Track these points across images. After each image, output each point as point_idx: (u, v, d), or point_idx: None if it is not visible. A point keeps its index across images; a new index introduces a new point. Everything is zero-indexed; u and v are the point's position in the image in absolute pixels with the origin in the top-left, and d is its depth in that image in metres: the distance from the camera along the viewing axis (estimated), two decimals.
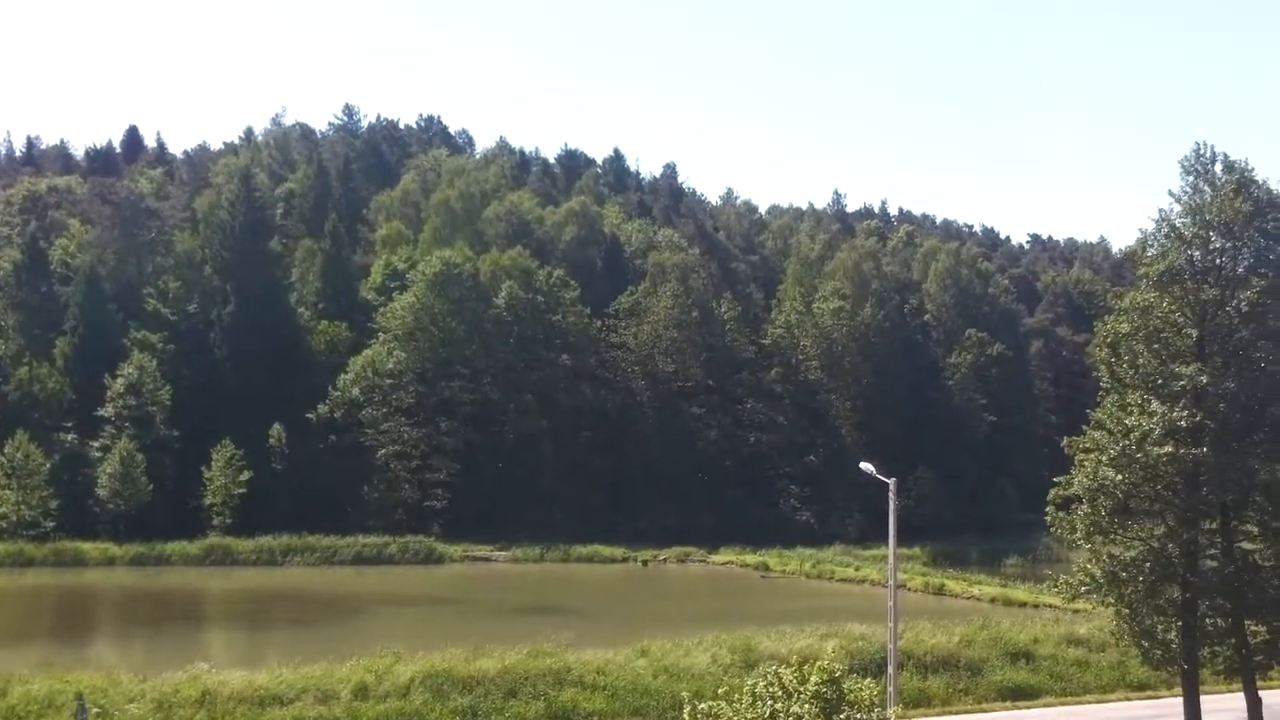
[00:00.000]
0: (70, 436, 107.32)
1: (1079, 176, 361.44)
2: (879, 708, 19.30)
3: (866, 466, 36.70)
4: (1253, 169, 35.94)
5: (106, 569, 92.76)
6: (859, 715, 18.57)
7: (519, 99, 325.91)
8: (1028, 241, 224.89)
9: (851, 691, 18.95)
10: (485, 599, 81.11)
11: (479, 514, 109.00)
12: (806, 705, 18.46)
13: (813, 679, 18.78)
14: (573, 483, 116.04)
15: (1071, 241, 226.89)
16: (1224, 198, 35.39)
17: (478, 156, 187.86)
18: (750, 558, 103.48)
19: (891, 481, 34.48)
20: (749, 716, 18.46)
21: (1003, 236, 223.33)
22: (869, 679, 23.91)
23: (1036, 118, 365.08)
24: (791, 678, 19.01)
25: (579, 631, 51.58)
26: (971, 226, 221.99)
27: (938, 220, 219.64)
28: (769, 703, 18.50)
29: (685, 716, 19.39)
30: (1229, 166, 36.23)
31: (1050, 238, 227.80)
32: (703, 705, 19.22)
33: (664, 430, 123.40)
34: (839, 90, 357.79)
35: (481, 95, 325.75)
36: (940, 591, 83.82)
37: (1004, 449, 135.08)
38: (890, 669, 34.23)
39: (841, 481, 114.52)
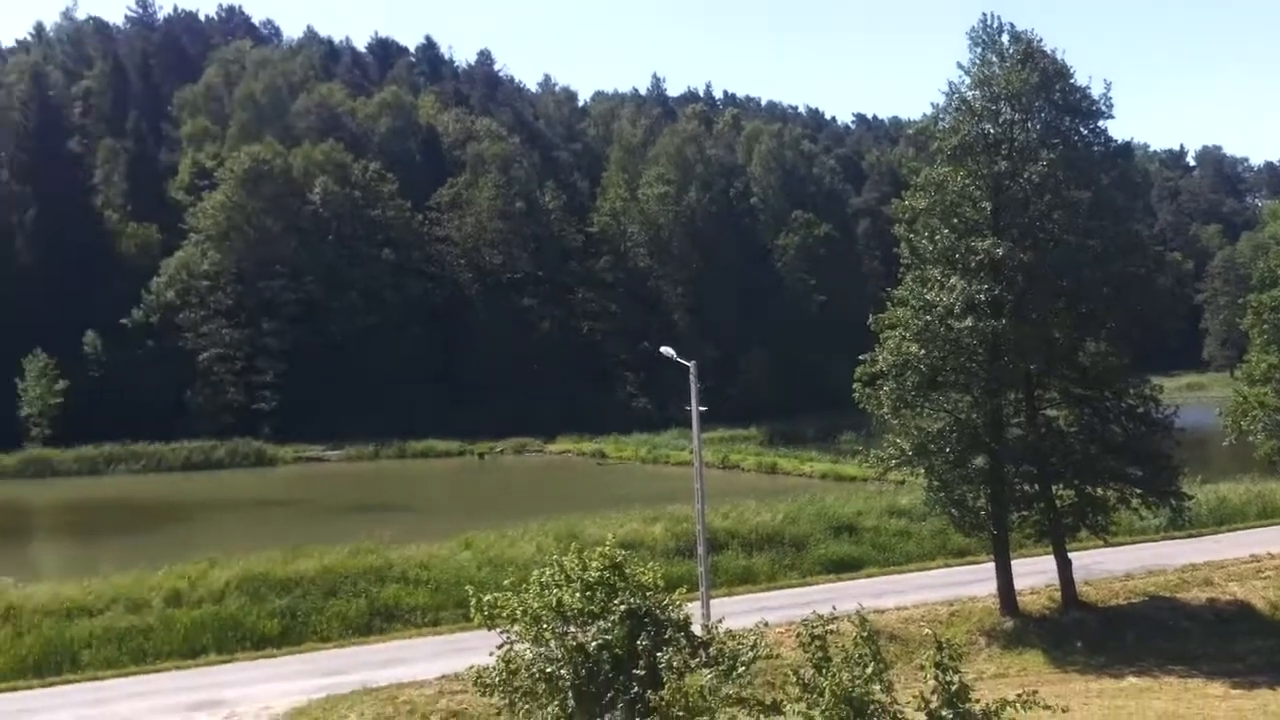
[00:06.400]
0: None
1: (901, 53, 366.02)
2: (657, 590, 18.64)
3: (667, 351, 36.82)
4: (1040, 39, 35.90)
5: None
6: (634, 600, 18.02)
7: None
8: (853, 121, 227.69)
9: (634, 575, 18.58)
10: (317, 499, 79.44)
11: (309, 414, 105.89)
12: (587, 593, 18.16)
13: (593, 564, 18.48)
14: (404, 379, 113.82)
15: (896, 119, 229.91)
16: (1011, 69, 35.34)
17: (284, 47, 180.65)
18: (587, 445, 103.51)
19: (692, 364, 34.75)
20: (534, 605, 18.19)
21: (828, 117, 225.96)
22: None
23: None
24: (574, 564, 18.66)
25: (411, 527, 50.98)
26: (796, 108, 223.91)
27: (763, 102, 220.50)
28: (554, 591, 18.30)
29: (472, 609, 19.10)
30: (1015, 37, 36.12)
31: (875, 116, 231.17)
32: (488, 597, 18.89)
33: (495, 322, 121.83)
34: None
35: None
36: (773, 470, 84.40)
37: (835, 327, 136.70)
38: (700, 549, 34.52)
39: (677, 367, 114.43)
